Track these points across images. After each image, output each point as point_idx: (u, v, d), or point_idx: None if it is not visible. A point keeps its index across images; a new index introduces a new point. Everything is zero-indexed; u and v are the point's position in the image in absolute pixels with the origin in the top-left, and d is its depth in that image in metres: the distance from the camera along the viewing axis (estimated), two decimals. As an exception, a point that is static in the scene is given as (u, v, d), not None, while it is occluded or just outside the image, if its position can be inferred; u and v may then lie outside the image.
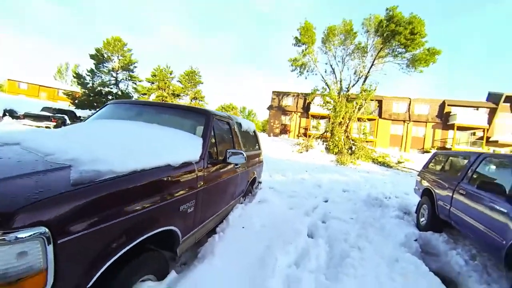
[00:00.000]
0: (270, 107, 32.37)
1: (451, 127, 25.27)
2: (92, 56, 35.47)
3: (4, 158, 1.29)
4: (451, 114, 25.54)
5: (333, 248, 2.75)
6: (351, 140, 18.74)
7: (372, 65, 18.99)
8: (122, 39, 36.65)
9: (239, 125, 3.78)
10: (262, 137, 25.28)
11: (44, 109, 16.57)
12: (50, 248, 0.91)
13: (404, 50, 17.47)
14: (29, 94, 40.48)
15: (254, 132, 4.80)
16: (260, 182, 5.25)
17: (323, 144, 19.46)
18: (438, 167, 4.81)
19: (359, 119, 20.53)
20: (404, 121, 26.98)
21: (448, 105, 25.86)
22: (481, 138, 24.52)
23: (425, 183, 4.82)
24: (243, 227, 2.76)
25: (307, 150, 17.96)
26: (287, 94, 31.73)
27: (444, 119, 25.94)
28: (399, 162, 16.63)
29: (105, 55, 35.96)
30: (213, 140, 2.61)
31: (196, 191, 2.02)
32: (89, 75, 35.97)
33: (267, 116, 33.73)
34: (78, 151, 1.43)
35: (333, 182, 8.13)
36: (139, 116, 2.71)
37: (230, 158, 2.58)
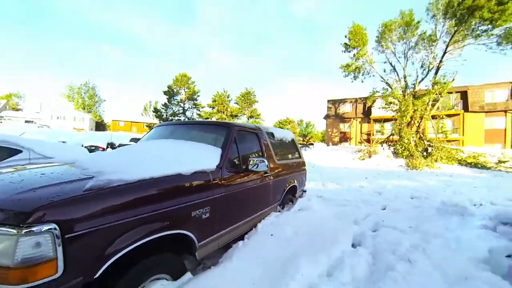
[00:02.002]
0: (326, 117, 31.06)
1: None
2: (165, 92, 42.52)
3: (53, 173, 1.70)
4: None
5: (377, 260, 2.35)
6: (425, 141, 15.90)
7: (445, 53, 16.03)
8: (187, 74, 42.80)
9: (271, 135, 3.81)
10: (319, 147, 24.20)
11: (131, 139, 20.85)
12: (59, 241, 1.15)
13: (490, 26, 14.14)
14: (125, 130, 51.12)
15: (293, 140, 4.73)
16: (304, 191, 5.03)
17: (389, 148, 17.15)
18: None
19: (433, 117, 17.36)
20: (505, 111, 21.30)
21: None
22: None
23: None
24: (271, 235, 2.69)
25: (370, 156, 16.15)
26: (343, 101, 29.95)
27: None
28: (500, 162, 13.01)
29: (175, 90, 42.55)
30: (236, 150, 2.72)
31: (212, 198, 2.13)
32: (163, 108, 43.14)
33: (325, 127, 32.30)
34: (106, 165, 1.77)
35: (399, 188, 7.00)
36: (173, 134, 3.10)
37: (251, 166, 2.64)
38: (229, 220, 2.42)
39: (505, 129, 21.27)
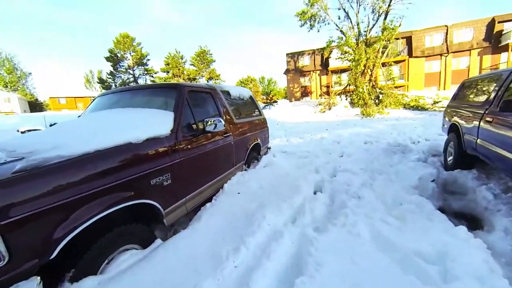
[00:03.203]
0: (286, 71, 30.82)
1: (504, 48, 21.30)
2: (107, 59, 36.97)
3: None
4: (503, 32, 21.32)
5: (333, 201, 2.64)
6: (377, 89, 17.14)
7: (393, -4, 16.26)
8: (129, 34, 37.16)
9: (226, 93, 3.64)
10: (283, 104, 24.56)
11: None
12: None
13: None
14: (69, 107, 44.69)
15: (251, 97, 4.62)
16: (269, 148, 5.19)
17: (346, 99, 18.20)
18: (465, 98, 4.15)
19: (383, 64, 18.44)
20: (440, 54, 23.51)
21: (499, 22, 21.51)
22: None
23: (452, 118, 4.25)
24: (238, 193, 2.78)
25: (329, 109, 17.07)
26: (301, 53, 29.61)
27: (494, 41, 21.84)
28: (435, 102, 14.90)
29: (119, 55, 37.17)
30: (190, 113, 2.56)
31: (170, 164, 2.04)
32: (110, 77, 37.91)
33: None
34: (38, 144, 1.53)
35: (354, 135, 7.67)
36: (118, 102, 2.76)
37: (208, 127, 2.54)
38: (193, 184, 2.40)
39: (440, 72, 23.85)
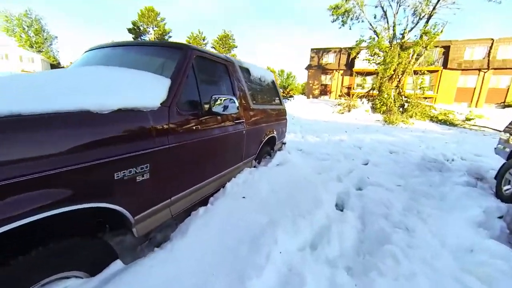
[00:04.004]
0: (308, 67, 29.55)
1: (550, 71, 19.38)
2: (130, 30, 36.73)
3: None
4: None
5: (367, 227, 1.98)
6: (403, 97, 15.93)
7: (440, -1, 14.75)
8: (155, 8, 36.59)
9: (246, 71, 2.97)
10: (299, 99, 23.54)
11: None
12: None
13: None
14: (87, 74, 45.01)
15: (273, 83, 3.94)
16: (284, 143, 4.53)
17: (368, 103, 17.09)
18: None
19: (415, 72, 17.04)
20: (479, 69, 21.65)
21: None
22: None
23: (516, 141, 3.43)
24: (243, 197, 2.16)
25: (349, 111, 16.07)
26: (327, 50, 28.20)
27: (540, 62, 19.90)
28: (467, 119, 13.65)
29: (141, 28, 36.80)
30: (195, 84, 1.93)
31: (152, 150, 1.43)
32: (129, 50, 37.66)
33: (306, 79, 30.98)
34: None
35: (377, 142, 6.86)
36: (106, 59, 2.15)
37: (216, 107, 1.90)
38: (185, 180, 1.79)
39: (475, 88, 22.06)
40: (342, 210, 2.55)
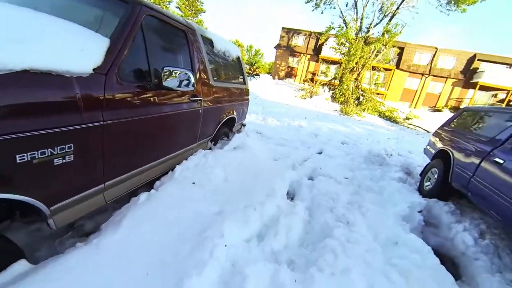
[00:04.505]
0: (277, 46, 29.01)
1: (473, 85, 22.94)
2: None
3: None
4: (478, 70, 22.79)
5: (314, 218, 2.06)
6: (360, 90, 17.10)
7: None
8: None
9: (209, 42, 2.65)
10: (265, 79, 23.30)
11: None
12: None
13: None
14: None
15: (239, 59, 3.67)
16: (243, 125, 4.40)
17: (329, 91, 17.90)
18: (465, 127, 3.85)
19: (373, 68, 18.27)
20: (423, 74, 24.40)
21: (479, 59, 22.82)
22: (502, 100, 22.54)
23: (441, 144, 3.97)
24: (193, 183, 2.01)
25: (311, 97, 16.61)
26: (298, 32, 27.93)
27: (468, 76, 23.33)
28: (407, 118, 15.52)
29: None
30: (143, 50, 1.60)
31: (77, 128, 1.15)
32: None
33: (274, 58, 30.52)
34: None
35: (333, 132, 7.29)
36: (40, 2, 1.62)
37: (167, 81, 1.63)
38: (122, 163, 1.54)
39: (417, 91, 24.98)
40: (292, 199, 2.62)
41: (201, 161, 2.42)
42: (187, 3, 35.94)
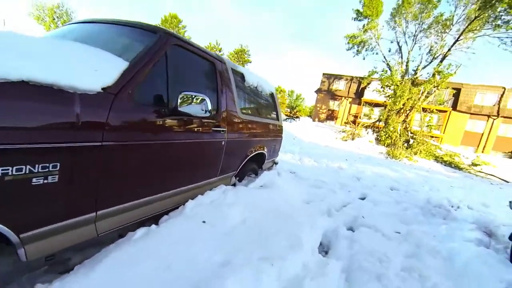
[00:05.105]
0: (318, 91, 29.69)
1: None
2: (150, 32, 37.66)
3: None
4: None
5: (353, 286, 1.51)
6: (409, 133, 15.58)
7: (456, 41, 14.78)
8: (178, 15, 37.85)
9: (240, 76, 2.64)
10: (305, 121, 23.34)
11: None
12: None
13: (514, 17, 12.78)
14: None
15: (272, 96, 3.61)
16: (275, 163, 4.12)
17: (373, 133, 16.76)
18: None
19: (424, 109, 16.81)
20: (489, 116, 21.42)
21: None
22: None
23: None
24: (203, 221, 1.73)
25: (353, 139, 15.70)
26: (338, 77, 28.45)
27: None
28: (474, 165, 13.14)
29: (161, 31, 37.72)
30: (165, 77, 1.58)
31: (68, 146, 1.05)
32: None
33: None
34: None
35: (378, 176, 6.41)
36: (76, 34, 1.82)
37: (183, 106, 1.54)
38: (122, 191, 1.39)
39: (483, 134, 21.68)
40: (326, 253, 2.09)
41: (219, 197, 2.17)
42: (236, 56, 40.82)
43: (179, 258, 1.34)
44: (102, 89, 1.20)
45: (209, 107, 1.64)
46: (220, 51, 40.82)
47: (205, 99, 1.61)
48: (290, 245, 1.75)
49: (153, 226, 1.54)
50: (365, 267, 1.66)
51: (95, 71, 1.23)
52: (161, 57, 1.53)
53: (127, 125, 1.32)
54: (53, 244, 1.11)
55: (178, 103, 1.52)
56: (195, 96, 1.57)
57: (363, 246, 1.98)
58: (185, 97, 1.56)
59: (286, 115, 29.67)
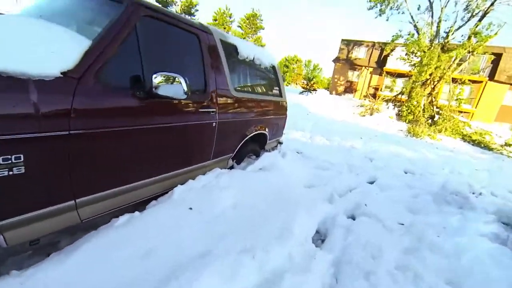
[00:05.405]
0: (336, 59, 27.66)
1: None
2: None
3: None
4: None
5: (340, 284, 1.44)
6: (435, 107, 14.33)
7: (503, -8, 12.40)
8: (188, -18, 35.61)
9: (232, 47, 2.38)
10: (322, 94, 22.25)
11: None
12: None
13: None
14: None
15: (274, 68, 3.31)
16: (280, 143, 3.97)
17: (394, 108, 15.67)
18: None
19: (454, 80, 15.03)
20: (532, 87, 19.04)
21: None
22: None
23: None
24: (190, 208, 1.69)
25: (371, 114, 14.86)
26: (358, 43, 26.03)
27: None
28: (507, 144, 12.07)
29: (168, -1, 35.97)
30: (138, 54, 1.42)
31: (29, 137, 0.99)
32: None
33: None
34: None
35: (394, 156, 6.08)
36: (44, 8, 1.68)
37: (159, 88, 1.40)
38: (101, 179, 1.35)
39: (522, 109, 19.57)
40: (323, 241, 2.01)
41: (211, 181, 2.10)
42: (247, 21, 38.51)
43: (158, 246, 1.32)
44: (62, 73, 1.09)
45: (185, 88, 1.48)
46: (230, 17, 38.58)
47: (180, 80, 1.45)
48: (279, 234, 1.68)
49: (136, 212, 1.52)
50: (355, 262, 1.57)
51: (52, 53, 1.10)
52: (130, 32, 1.36)
53: (96, 111, 1.23)
54: (34, 230, 1.12)
55: (153, 85, 1.38)
56: (170, 76, 1.42)
57: (358, 238, 1.87)
58: (161, 77, 1.41)
59: (303, 87, 28.46)
